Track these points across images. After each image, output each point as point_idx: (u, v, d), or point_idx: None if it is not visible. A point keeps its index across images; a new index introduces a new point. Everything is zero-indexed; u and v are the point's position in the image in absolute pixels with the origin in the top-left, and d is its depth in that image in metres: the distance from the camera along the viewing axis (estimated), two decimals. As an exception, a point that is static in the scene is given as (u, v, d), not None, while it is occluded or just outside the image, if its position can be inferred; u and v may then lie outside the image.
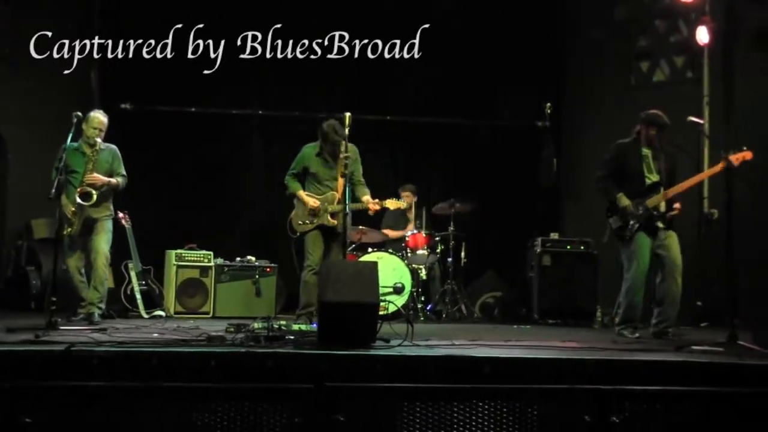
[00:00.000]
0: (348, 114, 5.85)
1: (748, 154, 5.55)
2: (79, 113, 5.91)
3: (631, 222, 5.90)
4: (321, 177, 6.45)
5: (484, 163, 9.50)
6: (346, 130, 5.86)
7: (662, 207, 5.93)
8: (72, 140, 5.89)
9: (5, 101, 8.49)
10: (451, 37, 9.48)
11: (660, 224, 5.91)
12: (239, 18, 9.12)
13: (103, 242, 6.28)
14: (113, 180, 6.34)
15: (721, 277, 5.68)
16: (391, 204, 6.57)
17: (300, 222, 6.44)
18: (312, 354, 4.06)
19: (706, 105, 8.45)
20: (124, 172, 6.45)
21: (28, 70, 8.57)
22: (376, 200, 6.41)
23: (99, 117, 6.35)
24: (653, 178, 5.97)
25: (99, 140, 6.27)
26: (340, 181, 6.27)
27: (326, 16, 9.29)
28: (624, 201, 5.93)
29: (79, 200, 6.10)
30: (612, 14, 9.42)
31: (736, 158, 5.48)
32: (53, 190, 5.51)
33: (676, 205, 5.94)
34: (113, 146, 6.49)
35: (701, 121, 6.53)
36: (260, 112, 9.47)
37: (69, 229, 6.17)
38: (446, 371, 3.99)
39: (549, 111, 8.39)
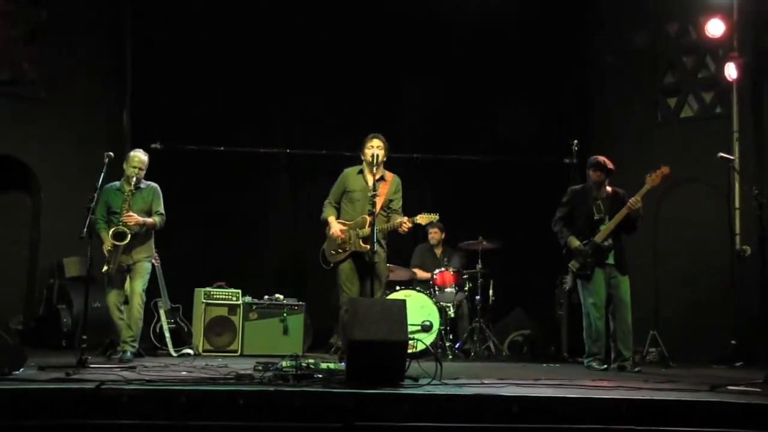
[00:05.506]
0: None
1: (665, 170, 6.06)
2: (111, 153, 5.94)
3: (588, 260, 6.39)
4: (355, 196, 6.21)
5: (512, 200, 9.46)
6: (375, 169, 5.87)
7: (609, 242, 6.41)
8: (105, 180, 5.91)
9: (38, 141, 8.67)
10: (477, 76, 9.55)
11: (609, 260, 6.38)
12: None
13: (140, 285, 6.33)
14: (149, 219, 6.33)
15: (755, 315, 5.56)
16: (423, 219, 6.06)
17: (332, 252, 6.23)
18: (340, 393, 4.03)
19: (735, 141, 8.38)
20: (163, 211, 6.44)
21: (61, 112, 8.78)
22: (405, 218, 6.07)
23: (139, 156, 6.37)
24: (599, 216, 6.48)
25: (136, 179, 6.28)
26: (378, 200, 5.92)
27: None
28: (574, 242, 6.51)
29: (113, 240, 6.13)
30: (638, 51, 9.43)
31: (652, 178, 6.03)
32: (85, 230, 5.48)
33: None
34: (154, 184, 6.49)
35: (731, 157, 6.51)
36: (287, 150, 9.56)
37: (106, 267, 6.18)
38: (475, 411, 3.93)
39: (576, 148, 8.37)
